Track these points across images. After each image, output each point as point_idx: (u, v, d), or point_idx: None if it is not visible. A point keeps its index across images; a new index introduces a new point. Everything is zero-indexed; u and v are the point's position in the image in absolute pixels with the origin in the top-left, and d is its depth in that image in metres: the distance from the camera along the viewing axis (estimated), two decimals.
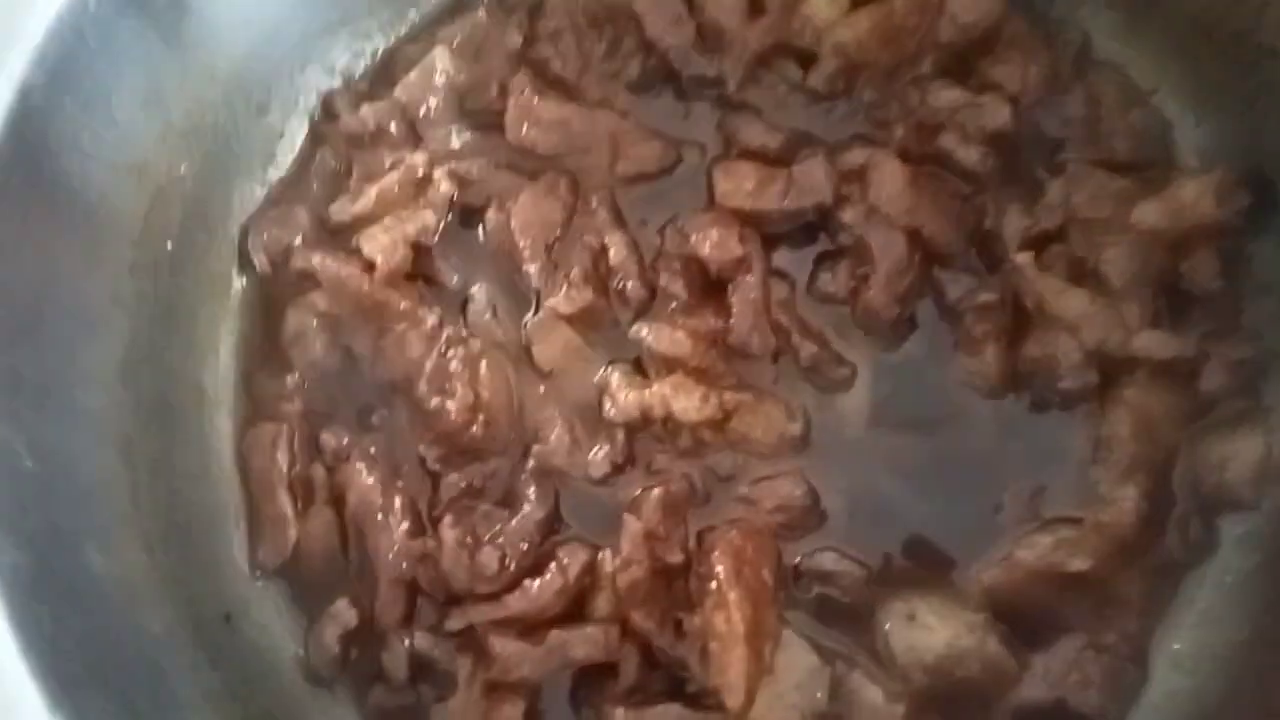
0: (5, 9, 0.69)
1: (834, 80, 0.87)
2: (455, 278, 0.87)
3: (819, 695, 0.76)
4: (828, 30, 0.87)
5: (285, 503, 0.80)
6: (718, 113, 0.89)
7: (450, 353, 0.82)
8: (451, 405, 0.79)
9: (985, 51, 0.87)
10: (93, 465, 0.73)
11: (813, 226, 0.85)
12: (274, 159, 0.91)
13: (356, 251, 0.86)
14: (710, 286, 0.85)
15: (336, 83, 0.93)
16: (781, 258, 0.85)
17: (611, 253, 0.85)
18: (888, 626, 0.77)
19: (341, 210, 0.88)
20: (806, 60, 0.88)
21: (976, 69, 0.88)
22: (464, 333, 0.84)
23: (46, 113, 0.71)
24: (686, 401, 0.79)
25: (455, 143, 0.90)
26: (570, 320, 0.84)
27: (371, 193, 0.88)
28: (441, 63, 0.91)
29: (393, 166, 0.89)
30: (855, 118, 0.88)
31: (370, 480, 0.79)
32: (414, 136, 0.91)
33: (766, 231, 0.85)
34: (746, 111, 0.88)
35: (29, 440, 0.70)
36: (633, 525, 0.75)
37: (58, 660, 0.64)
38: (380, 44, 0.95)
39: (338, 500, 0.81)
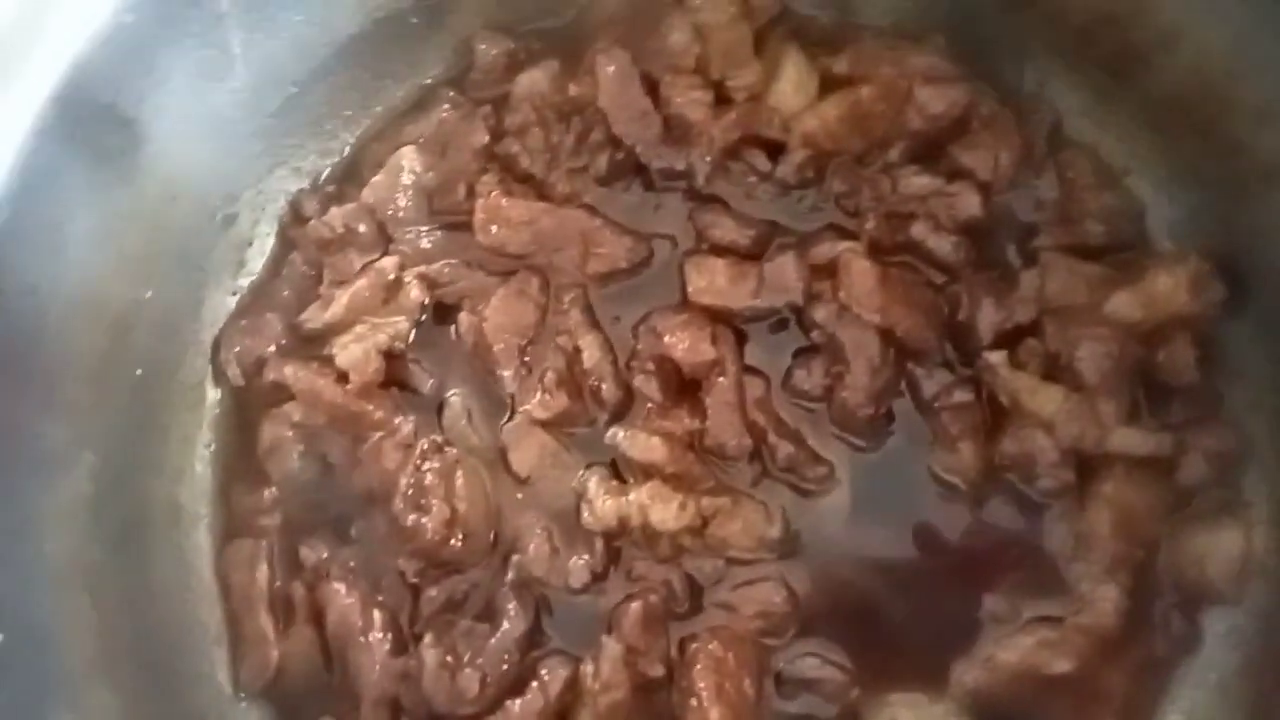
0: None
1: (803, 169, 0.86)
2: (430, 383, 0.87)
3: None
4: (795, 119, 0.86)
5: (266, 621, 0.80)
6: (688, 205, 0.88)
7: (426, 465, 0.82)
8: (428, 522, 0.79)
9: (956, 135, 0.87)
10: (60, 615, 0.72)
11: (786, 319, 0.85)
12: (244, 266, 0.91)
13: (330, 360, 0.86)
14: (685, 386, 0.84)
15: (304, 184, 0.93)
16: (756, 351, 0.85)
17: (585, 355, 0.84)
18: None
19: (313, 318, 0.88)
20: (775, 150, 0.87)
21: (947, 153, 0.87)
22: (440, 440, 0.84)
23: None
24: (664, 512, 0.78)
25: (425, 243, 0.89)
26: (546, 425, 0.84)
27: (343, 299, 0.87)
28: (408, 162, 0.90)
29: (363, 270, 0.88)
30: (825, 207, 0.88)
31: (349, 600, 0.79)
32: (384, 238, 0.90)
33: (739, 326, 0.85)
34: (716, 205, 0.87)
35: None
36: (612, 648, 0.74)
37: None
38: (347, 141, 0.95)
39: (318, 618, 0.80)
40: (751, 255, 0.86)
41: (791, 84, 0.86)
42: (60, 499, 0.75)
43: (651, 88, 0.87)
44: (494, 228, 0.87)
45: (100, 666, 0.73)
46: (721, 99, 0.87)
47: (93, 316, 0.77)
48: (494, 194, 0.86)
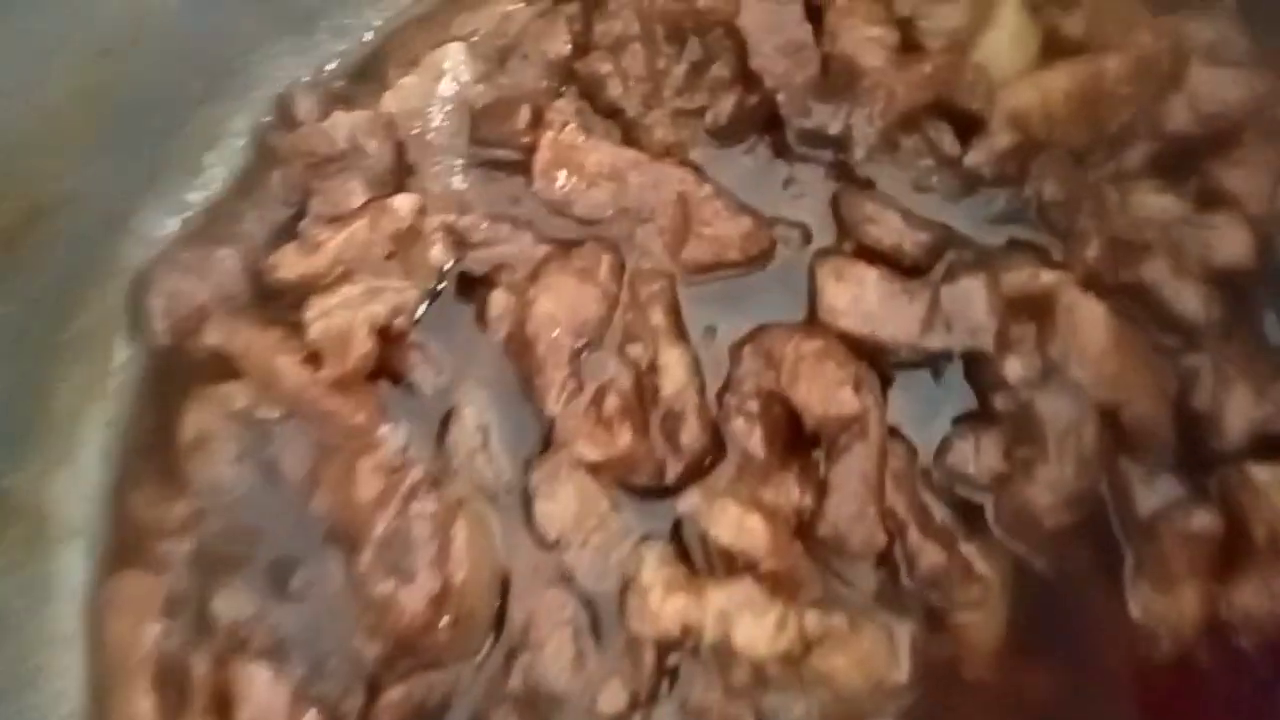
0: None
1: (1004, 161, 0.62)
2: (436, 381, 0.62)
3: None
4: (1005, 90, 0.62)
5: (145, 702, 0.55)
6: (832, 185, 0.64)
7: (415, 505, 0.57)
8: (408, 597, 0.54)
9: (1221, 145, 0.62)
10: None
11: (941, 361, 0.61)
12: (200, 174, 0.65)
13: (300, 329, 0.61)
14: (799, 441, 0.60)
15: (305, 73, 0.67)
16: (903, 406, 0.60)
17: (664, 376, 0.60)
18: None
19: (285, 265, 0.62)
20: (967, 127, 0.63)
21: (1203, 169, 0.63)
22: (439, 469, 0.60)
23: None
24: (755, 627, 0.54)
25: (460, 183, 0.64)
26: (594, 469, 0.59)
27: (331, 244, 0.62)
28: (453, 64, 0.65)
29: (366, 207, 0.63)
30: (1023, 217, 0.63)
31: (273, 689, 0.54)
32: (402, 167, 0.65)
33: (885, 368, 0.61)
34: (872, 192, 0.63)
35: None
36: None
37: None
38: (372, 22, 0.69)
39: (222, 708, 0.55)
40: (915, 269, 0.61)
41: (1008, 37, 0.61)
42: None
43: (813, 13, 0.62)
44: (561, 175, 0.62)
45: None
46: (909, 44, 0.62)
47: None
48: (568, 127, 0.62)
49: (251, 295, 0.62)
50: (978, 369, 0.60)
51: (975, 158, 0.61)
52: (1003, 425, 0.59)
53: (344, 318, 0.59)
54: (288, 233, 0.64)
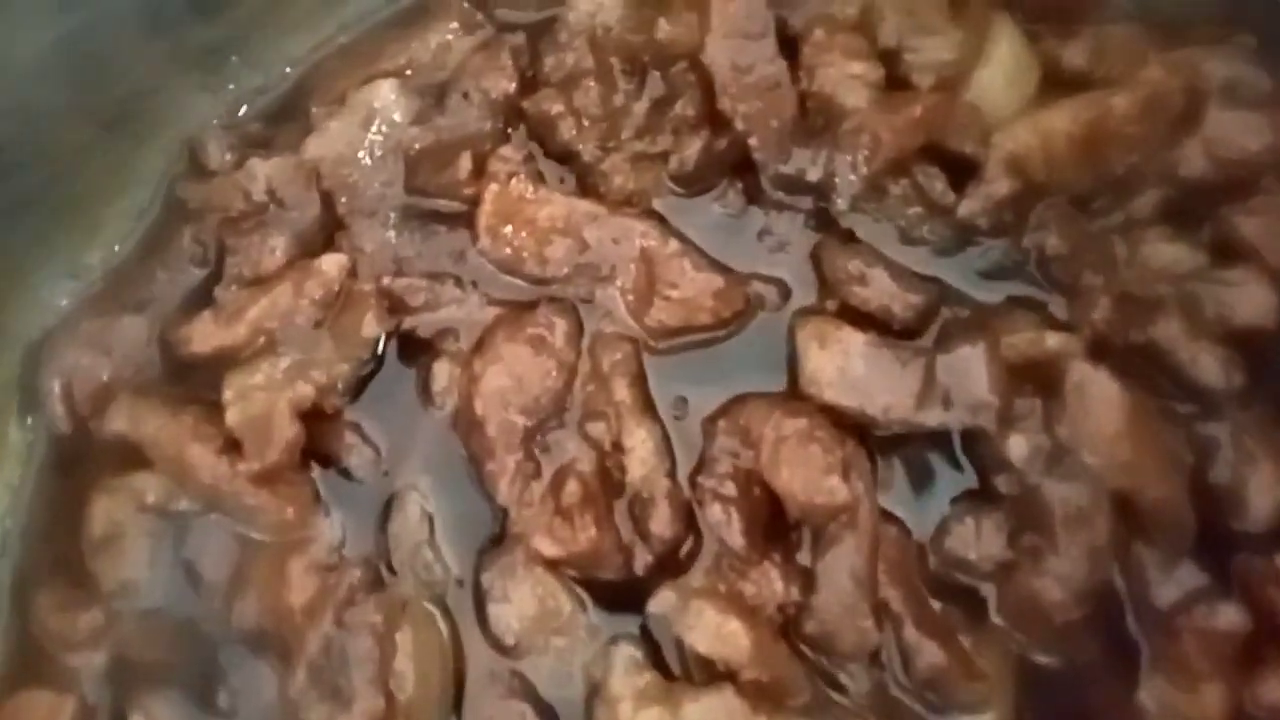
0: None
1: (1000, 209, 0.56)
2: (374, 465, 0.55)
3: None
4: (1001, 131, 0.55)
5: None
6: (812, 236, 0.57)
7: (354, 611, 0.51)
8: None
9: (1237, 192, 0.57)
10: None
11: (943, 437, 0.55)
12: (99, 232, 0.58)
13: (217, 410, 0.54)
14: (779, 526, 0.54)
15: (216, 116, 0.59)
16: (895, 483, 0.54)
17: (631, 458, 0.53)
18: None
19: (200, 335, 0.55)
20: (960, 171, 0.57)
21: (1218, 216, 0.57)
22: (381, 566, 0.53)
23: None
24: None
25: (394, 239, 0.57)
26: (553, 565, 0.53)
27: (251, 312, 0.55)
28: (384, 102, 0.58)
29: (289, 269, 0.56)
30: (1021, 270, 0.57)
31: None
32: (329, 221, 0.58)
33: (873, 442, 0.55)
34: (858, 246, 0.56)
35: None
36: None
37: None
38: (293, 55, 0.61)
39: None
40: (906, 332, 0.55)
41: (1004, 73, 0.55)
42: None
43: (788, 45, 0.55)
44: (508, 230, 0.55)
45: None
46: (894, 80, 0.55)
47: None
48: (515, 178, 0.55)
49: (162, 371, 0.56)
50: (977, 445, 0.54)
51: (970, 206, 0.55)
52: (1006, 508, 0.53)
53: (265, 401, 0.52)
54: (202, 298, 0.57)
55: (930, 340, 0.55)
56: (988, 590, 0.55)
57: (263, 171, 0.57)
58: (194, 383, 0.55)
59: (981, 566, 0.54)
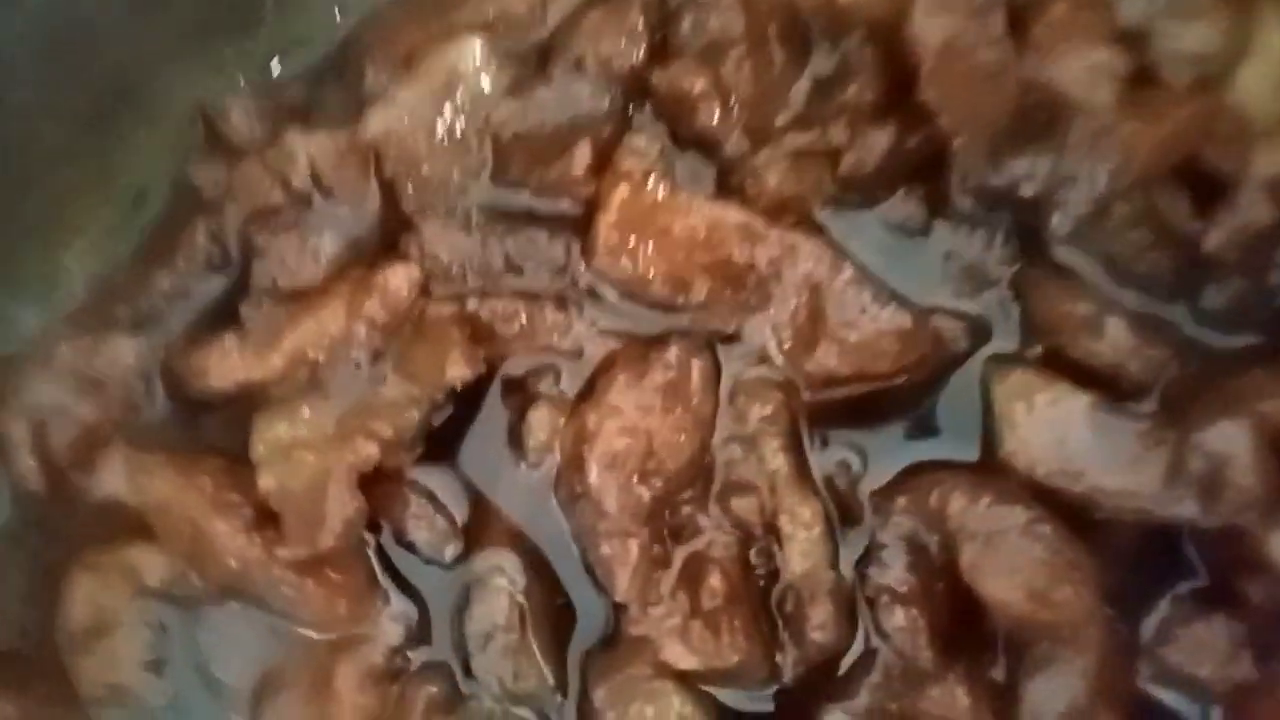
0: None
1: (1254, 243, 0.45)
2: (447, 539, 0.43)
3: None
4: (1264, 142, 0.44)
5: None
6: (1010, 264, 0.46)
7: None
8: None
9: None
10: None
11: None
12: (84, 230, 0.43)
13: (244, 464, 0.41)
14: (966, 635, 0.43)
15: (243, 77, 0.45)
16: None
17: (790, 545, 0.42)
18: None
19: (220, 365, 0.41)
20: (1208, 190, 0.46)
21: None
22: (457, 672, 0.41)
23: None
24: None
25: (478, 247, 0.45)
26: (684, 678, 0.42)
27: (290, 338, 0.42)
28: (470, 66, 0.44)
29: (341, 281, 0.43)
30: (1261, 317, 0.46)
31: None
32: (393, 219, 0.44)
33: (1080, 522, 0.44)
34: (1075, 280, 0.44)
35: None
36: None
37: None
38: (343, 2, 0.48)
39: None
40: (1133, 391, 0.44)
41: (1273, 70, 0.44)
42: None
43: (1015, 19, 0.43)
44: (634, 242, 0.43)
45: None
46: (1139, 73, 0.44)
47: None
48: (648, 175, 0.42)
49: (166, 412, 0.42)
50: (1216, 539, 0.44)
51: (1218, 238, 0.44)
52: (1251, 618, 0.43)
53: (314, 466, 0.39)
54: (221, 316, 0.43)
55: (1153, 404, 0.45)
56: (1209, 716, 0.45)
57: (304, 149, 0.43)
58: (209, 429, 0.42)
59: (1213, 688, 0.44)
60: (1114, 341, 0.42)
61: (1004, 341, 0.45)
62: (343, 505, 0.38)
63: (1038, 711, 0.41)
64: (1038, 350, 0.45)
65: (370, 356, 0.42)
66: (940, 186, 0.46)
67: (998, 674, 0.43)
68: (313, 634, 0.41)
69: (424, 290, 0.43)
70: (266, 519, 0.40)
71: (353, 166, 0.44)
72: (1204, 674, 0.44)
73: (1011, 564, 0.40)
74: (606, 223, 0.42)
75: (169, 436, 0.42)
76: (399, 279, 0.42)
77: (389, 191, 0.44)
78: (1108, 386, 0.44)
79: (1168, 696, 0.44)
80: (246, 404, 0.42)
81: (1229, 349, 0.46)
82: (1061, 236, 0.44)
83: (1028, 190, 0.44)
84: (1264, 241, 0.46)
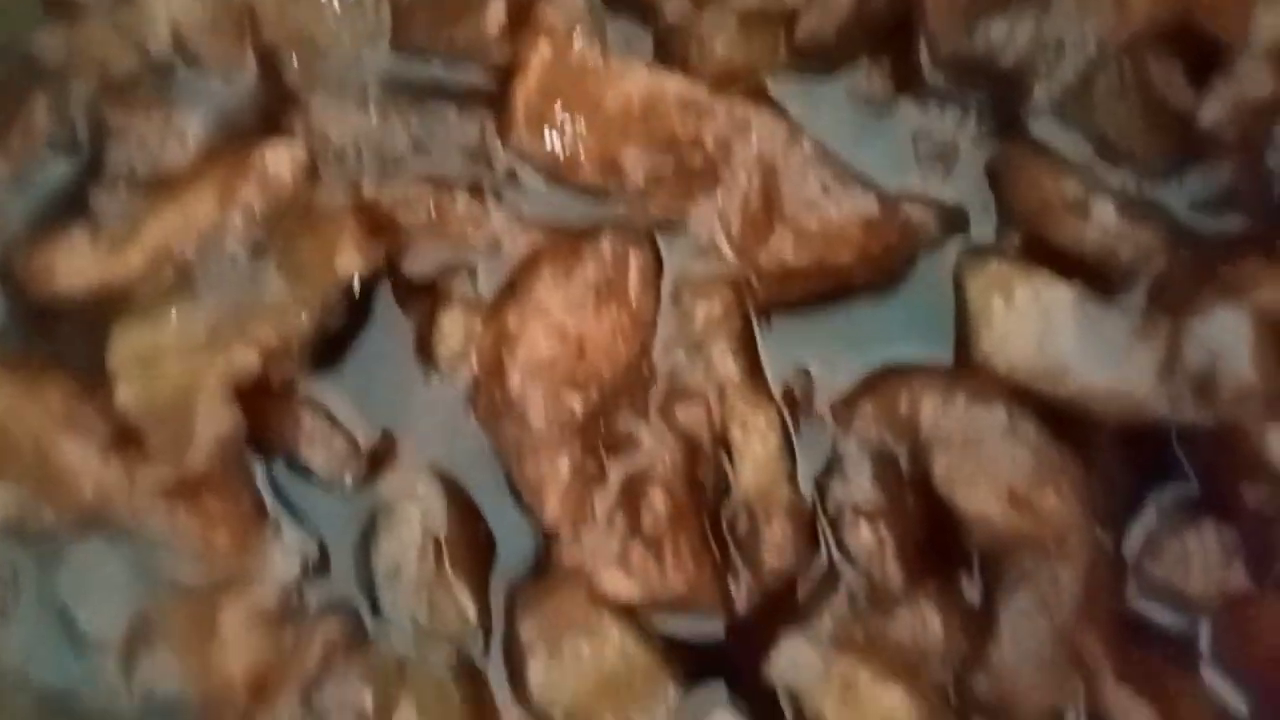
0: None
1: (1251, 117, 0.40)
2: (348, 462, 0.37)
3: None
4: (1267, 6, 0.39)
5: None
6: (986, 144, 0.40)
7: (326, 690, 0.34)
8: None
9: None
10: None
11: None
12: None
13: (102, 379, 0.35)
14: (938, 554, 0.39)
15: None
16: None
17: (742, 459, 0.37)
18: None
19: (70, 264, 0.34)
20: (1198, 62, 0.41)
21: None
22: (360, 616, 0.36)
23: None
24: None
25: (375, 124, 0.38)
26: (626, 610, 0.37)
27: (153, 231, 0.35)
28: None
29: (213, 164, 0.36)
30: (1255, 200, 0.42)
31: None
32: (273, 92, 0.38)
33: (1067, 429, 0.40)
34: (1059, 160, 0.39)
35: None
36: None
37: None
38: None
39: None
40: (1119, 282, 0.39)
41: None
42: None
43: None
44: (560, 115, 0.37)
45: None
46: None
47: None
48: (575, 37, 0.36)
49: (7, 321, 0.36)
50: (1209, 441, 0.40)
51: (1214, 110, 0.40)
52: (1246, 525, 0.40)
53: (181, 373, 0.33)
54: (70, 206, 0.37)
55: (1141, 296, 0.41)
56: (1198, 631, 0.42)
57: (164, 9, 0.36)
58: (60, 339, 0.36)
59: (1202, 601, 0.41)
60: (1102, 224, 0.38)
61: (979, 229, 0.41)
62: (215, 420, 0.33)
63: (1016, 632, 0.38)
64: (1016, 239, 0.41)
65: (248, 251, 0.36)
66: (909, 56, 0.41)
67: (972, 595, 0.40)
68: (191, 571, 0.36)
69: (311, 174, 0.37)
70: (127, 439, 0.34)
71: (225, 29, 0.37)
72: (1193, 587, 0.41)
73: (991, 471, 0.35)
74: (525, 89, 0.36)
75: (9, 349, 0.36)
76: (280, 160, 0.36)
77: (269, 61, 0.38)
78: (1092, 277, 0.40)
79: (1155, 612, 0.42)
80: (103, 310, 0.36)
81: (1223, 235, 0.43)
82: (1044, 110, 0.40)
83: (1007, 56, 0.39)
84: (1263, 117, 0.42)
